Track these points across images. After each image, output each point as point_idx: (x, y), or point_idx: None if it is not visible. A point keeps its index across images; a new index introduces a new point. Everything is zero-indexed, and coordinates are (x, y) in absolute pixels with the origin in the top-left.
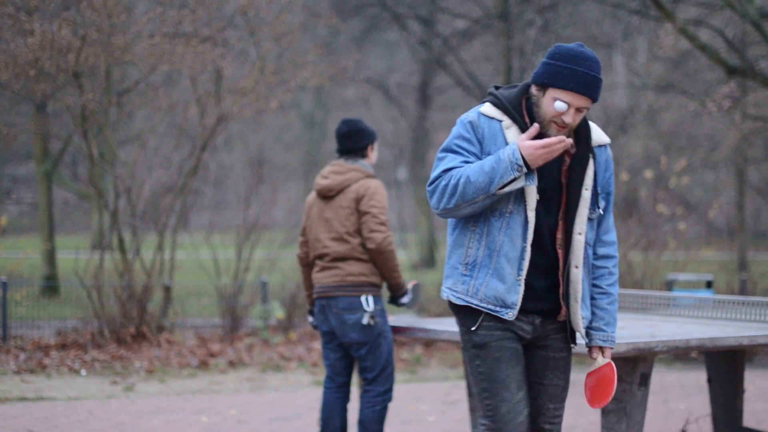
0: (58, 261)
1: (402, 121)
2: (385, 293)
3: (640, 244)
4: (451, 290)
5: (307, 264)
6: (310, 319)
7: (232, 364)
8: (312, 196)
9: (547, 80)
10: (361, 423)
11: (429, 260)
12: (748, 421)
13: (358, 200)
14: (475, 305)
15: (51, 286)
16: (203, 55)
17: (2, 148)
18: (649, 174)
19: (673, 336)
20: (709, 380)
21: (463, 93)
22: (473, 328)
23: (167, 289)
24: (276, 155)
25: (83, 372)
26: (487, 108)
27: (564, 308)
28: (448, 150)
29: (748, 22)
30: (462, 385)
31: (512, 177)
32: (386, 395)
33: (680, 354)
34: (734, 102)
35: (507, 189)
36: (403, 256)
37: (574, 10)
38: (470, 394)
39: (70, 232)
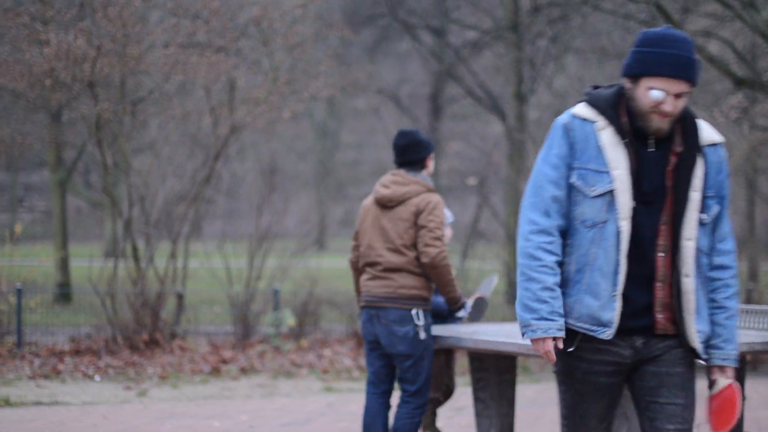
0: (71, 269)
1: None
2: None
3: None
4: None
5: (357, 269)
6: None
7: (243, 371)
8: (369, 201)
9: (638, 69)
10: None
11: None
12: (750, 428)
13: (417, 214)
14: (570, 325)
15: (64, 293)
16: (217, 65)
17: (17, 156)
18: None
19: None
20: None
21: (474, 103)
22: (570, 350)
23: (180, 297)
24: (288, 164)
25: (97, 377)
26: (581, 109)
27: (660, 320)
28: (547, 163)
29: (757, 33)
30: (469, 391)
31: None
32: (423, 408)
33: None
34: (742, 113)
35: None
36: None
37: (584, 21)
38: (476, 400)
39: (83, 241)
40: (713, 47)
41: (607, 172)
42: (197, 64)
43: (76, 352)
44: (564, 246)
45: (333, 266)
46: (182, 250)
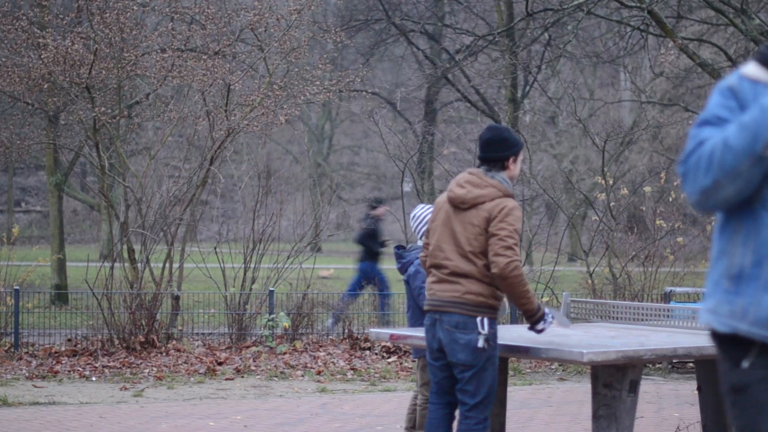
0: (68, 270)
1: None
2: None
3: (639, 257)
4: (713, 313)
5: (426, 269)
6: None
7: (238, 372)
8: (442, 199)
9: None
10: None
11: None
12: None
13: (489, 221)
14: (745, 332)
15: (61, 294)
16: (213, 69)
17: (15, 158)
18: (648, 189)
19: (662, 345)
20: (699, 388)
21: (468, 107)
22: (745, 364)
23: (176, 299)
24: (284, 167)
25: (93, 378)
26: (751, 68)
27: None
28: (705, 123)
29: (749, 39)
30: None
31: None
32: (486, 423)
33: (677, 365)
34: None
35: None
36: None
37: (578, 27)
38: None
39: (79, 242)
40: (706, 53)
41: None
42: (193, 68)
43: (73, 353)
44: (737, 235)
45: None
46: (178, 252)
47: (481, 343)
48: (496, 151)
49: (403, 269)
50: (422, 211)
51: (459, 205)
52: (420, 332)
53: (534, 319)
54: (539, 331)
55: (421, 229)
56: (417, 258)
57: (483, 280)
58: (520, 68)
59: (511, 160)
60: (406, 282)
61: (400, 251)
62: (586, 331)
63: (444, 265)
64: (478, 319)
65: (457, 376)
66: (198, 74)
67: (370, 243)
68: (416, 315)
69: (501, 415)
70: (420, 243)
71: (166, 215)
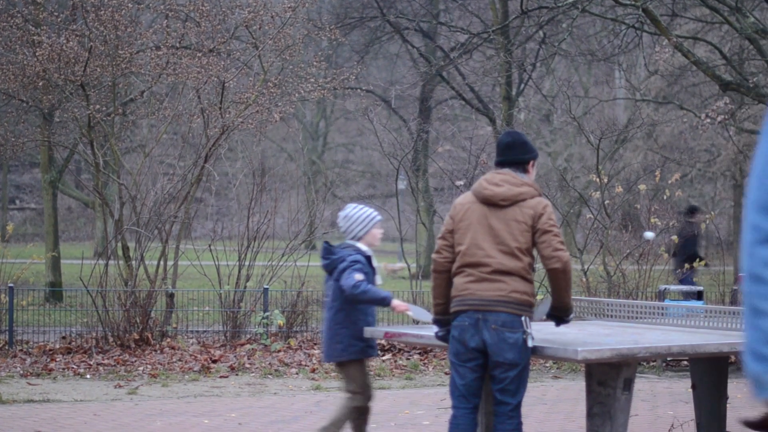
0: (63, 268)
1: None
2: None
3: (633, 255)
4: None
5: (446, 270)
6: (438, 330)
7: (233, 370)
8: (468, 199)
9: None
10: None
11: (429, 271)
12: (732, 428)
13: (535, 218)
14: None
15: (56, 292)
16: (207, 67)
17: (10, 156)
18: (642, 187)
19: (656, 343)
20: (693, 386)
21: (463, 105)
22: None
23: (170, 296)
24: (278, 165)
25: (88, 376)
26: None
27: None
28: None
29: (744, 37)
30: None
31: None
32: (521, 425)
33: (671, 363)
34: (729, 116)
35: None
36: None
37: (573, 25)
38: None
39: (74, 240)
40: (701, 51)
41: None
42: (188, 65)
43: (68, 351)
44: None
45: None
46: (172, 250)
47: (529, 342)
48: (516, 154)
49: (330, 266)
50: (356, 212)
51: (499, 203)
52: (409, 330)
53: (568, 313)
54: (566, 322)
55: (354, 229)
56: (350, 256)
57: (526, 278)
58: (515, 66)
59: (531, 163)
60: (336, 280)
61: (330, 247)
62: (580, 329)
63: (485, 263)
64: (523, 318)
65: (498, 376)
66: (193, 72)
67: (695, 249)
68: (344, 315)
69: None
70: (350, 242)
71: (161, 213)
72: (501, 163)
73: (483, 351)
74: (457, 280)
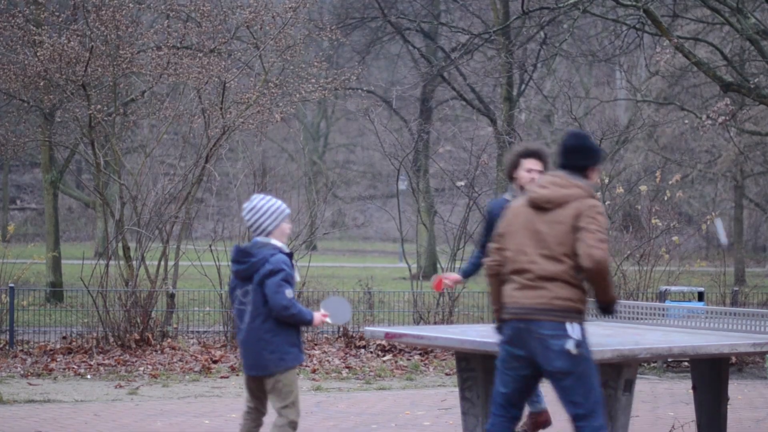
0: (63, 268)
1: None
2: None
3: (634, 256)
4: None
5: (496, 274)
6: (498, 336)
7: (233, 370)
8: (518, 203)
9: None
10: None
11: (431, 271)
12: (733, 429)
13: (577, 217)
14: None
15: (56, 292)
16: (208, 67)
17: (11, 156)
18: (643, 188)
19: (657, 344)
20: (694, 387)
21: (464, 105)
22: None
23: (171, 297)
24: (279, 165)
25: (89, 376)
26: None
27: None
28: None
29: (745, 38)
30: (456, 391)
31: None
32: (604, 430)
33: (672, 364)
34: (730, 117)
35: None
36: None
37: (574, 25)
38: (463, 399)
39: (75, 240)
40: (702, 52)
41: None
42: (189, 65)
43: (68, 351)
44: None
45: (323, 266)
46: (173, 250)
47: (574, 349)
48: (579, 159)
49: (250, 270)
50: (265, 203)
51: (544, 205)
52: (411, 330)
53: (613, 307)
54: (612, 312)
55: (264, 223)
56: (273, 256)
57: (570, 282)
58: (516, 67)
59: (592, 169)
60: (258, 284)
61: (245, 249)
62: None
63: (528, 269)
64: (568, 325)
65: (555, 386)
66: (193, 72)
67: None
68: (274, 322)
69: None
70: (263, 239)
71: (162, 213)
72: (560, 166)
73: (530, 360)
74: (505, 288)
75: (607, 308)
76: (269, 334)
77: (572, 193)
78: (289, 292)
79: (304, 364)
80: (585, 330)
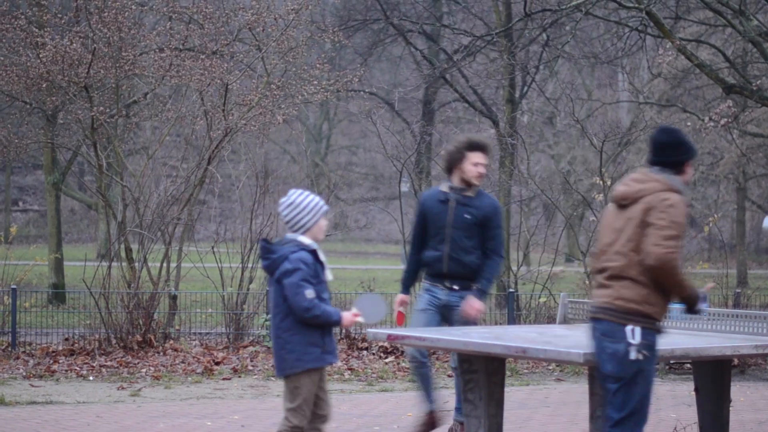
0: (66, 270)
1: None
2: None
3: None
4: None
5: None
6: None
7: (236, 372)
8: (611, 203)
9: None
10: None
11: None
12: (735, 431)
13: (647, 211)
14: None
15: (58, 294)
16: (211, 69)
17: (13, 158)
18: None
19: (659, 346)
20: (696, 389)
21: (466, 108)
22: None
23: (173, 298)
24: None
25: (91, 378)
26: None
27: None
28: None
29: (747, 40)
30: None
31: None
32: None
33: (674, 366)
34: (732, 119)
35: None
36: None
37: (577, 27)
38: (465, 401)
39: (77, 242)
40: (704, 54)
41: None
42: (191, 67)
43: (70, 353)
44: None
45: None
46: (175, 252)
47: (632, 355)
48: (670, 155)
49: (272, 267)
50: (303, 199)
51: (621, 202)
52: (413, 332)
53: (693, 303)
54: (698, 311)
55: (302, 219)
56: (294, 253)
57: (638, 281)
58: (518, 69)
59: (687, 164)
60: (276, 281)
61: (270, 245)
62: (583, 332)
63: (605, 267)
64: (628, 328)
65: (604, 386)
66: (196, 74)
67: None
68: (292, 320)
69: (498, 416)
70: (291, 236)
71: (164, 215)
72: (652, 163)
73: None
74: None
75: (689, 309)
76: (288, 333)
77: (647, 187)
78: (309, 293)
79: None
80: (652, 336)
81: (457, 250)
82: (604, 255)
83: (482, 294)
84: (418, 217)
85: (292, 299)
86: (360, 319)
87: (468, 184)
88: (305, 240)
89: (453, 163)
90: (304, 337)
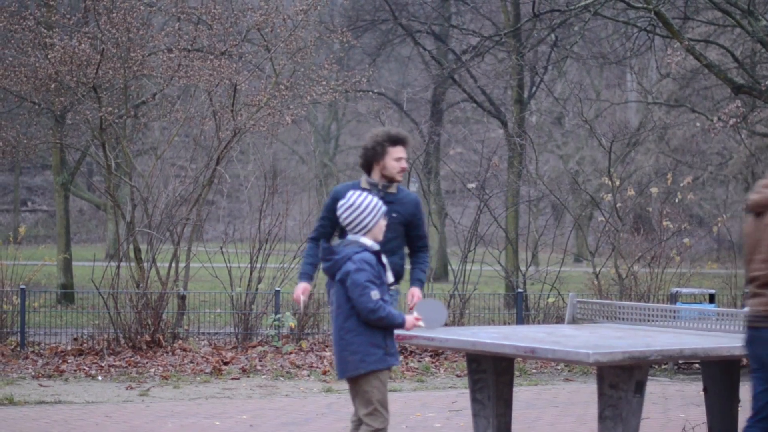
0: (74, 270)
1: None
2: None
3: (645, 258)
4: None
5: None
6: None
7: (244, 372)
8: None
9: None
10: None
11: (442, 273)
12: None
13: None
14: None
15: (67, 294)
16: (219, 69)
17: (22, 158)
18: (654, 190)
19: (668, 346)
20: (705, 389)
21: (474, 108)
22: None
23: (182, 298)
24: (290, 168)
25: (99, 377)
26: None
27: None
28: None
29: (756, 40)
30: (467, 393)
31: None
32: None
33: (683, 366)
34: (740, 119)
35: None
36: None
37: (585, 28)
38: (474, 401)
39: (85, 242)
40: (713, 54)
41: None
42: (200, 68)
43: (79, 352)
44: None
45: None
46: (184, 252)
47: None
48: None
49: (333, 268)
50: (362, 200)
51: (757, 210)
52: (421, 332)
53: None
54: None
55: (364, 220)
56: (357, 254)
57: None
58: (527, 69)
59: None
60: (340, 282)
61: (331, 247)
62: (592, 331)
63: (755, 276)
64: None
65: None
66: (204, 74)
67: None
68: (356, 321)
69: (506, 416)
70: (352, 237)
71: (173, 215)
72: None
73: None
74: None
75: None
76: (351, 334)
77: None
78: (375, 294)
79: (315, 365)
80: None
81: (382, 251)
82: (751, 264)
83: (422, 285)
84: (327, 208)
85: (357, 300)
86: (421, 323)
87: (390, 180)
88: (367, 241)
89: (373, 159)
90: (367, 338)
